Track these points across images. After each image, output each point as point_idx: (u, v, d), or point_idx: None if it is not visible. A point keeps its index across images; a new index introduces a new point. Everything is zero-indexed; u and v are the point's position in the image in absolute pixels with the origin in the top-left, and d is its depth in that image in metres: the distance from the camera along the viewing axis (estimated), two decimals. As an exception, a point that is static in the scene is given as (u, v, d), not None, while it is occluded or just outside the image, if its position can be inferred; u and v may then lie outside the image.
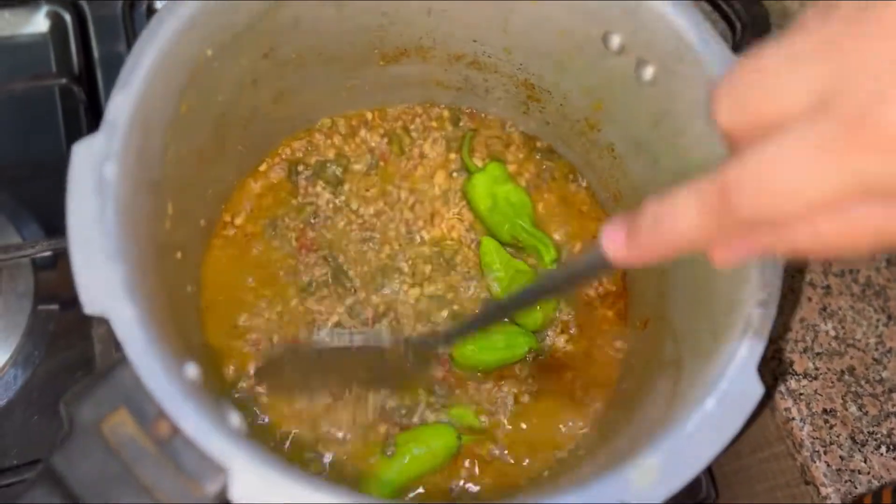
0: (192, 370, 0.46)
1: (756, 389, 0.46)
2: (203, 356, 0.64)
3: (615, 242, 0.35)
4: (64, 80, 0.76)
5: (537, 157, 0.77)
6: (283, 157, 0.74)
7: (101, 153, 0.46)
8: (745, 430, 0.83)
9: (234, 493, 0.42)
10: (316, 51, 0.65)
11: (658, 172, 0.64)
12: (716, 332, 0.51)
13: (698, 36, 0.54)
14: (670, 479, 0.44)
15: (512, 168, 0.75)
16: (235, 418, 0.46)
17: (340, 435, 0.65)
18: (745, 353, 0.47)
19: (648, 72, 0.59)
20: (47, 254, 0.70)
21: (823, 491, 0.72)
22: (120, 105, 0.47)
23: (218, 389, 0.62)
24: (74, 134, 0.79)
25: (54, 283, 0.72)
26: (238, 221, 0.70)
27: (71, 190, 0.45)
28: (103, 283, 0.44)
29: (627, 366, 0.68)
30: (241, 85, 0.61)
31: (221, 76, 0.58)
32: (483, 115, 0.78)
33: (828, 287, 0.79)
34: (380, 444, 0.65)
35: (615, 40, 0.60)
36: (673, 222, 0.32)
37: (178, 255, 0.60)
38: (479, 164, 0.74)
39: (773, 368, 0.74)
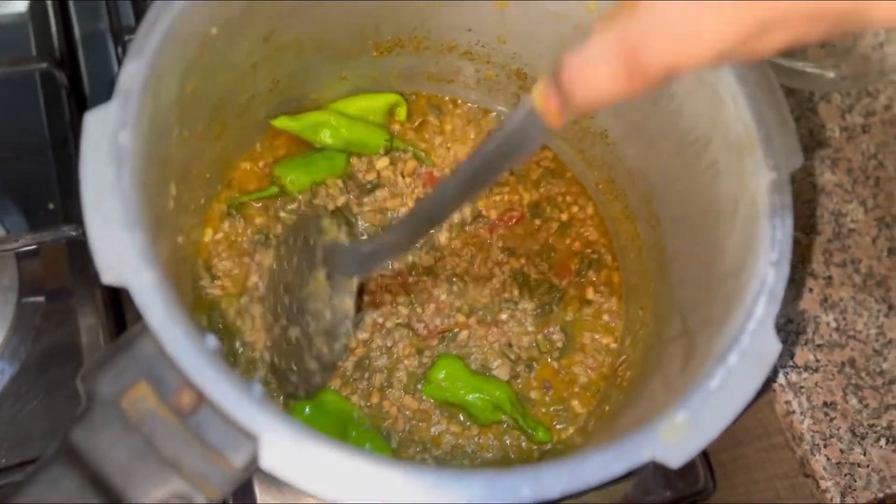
0: (211, 340, 0.45)
1: (774, 346, 0.47)
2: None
3: (548, 104, 0.36)
4: (45, 65, 0.74)
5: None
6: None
7: (116, 121, 0.45)
8: (743, 414, 0.84)
9: (264, 459, 0.41)
10: (313, 37, 0.65)
11: (652, 153, 0.65)
12: (727, 298, 0.52)
13: (698, 13, 0.55)
14: (699, 433, 0.44)
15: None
16: (257, 388, 0.45)
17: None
18: (761, 312, 0.48)
19: (645, 55, 0.60)
20: (32, 247, 0.69)
21: (823, 484, 0.73)
22: (134, 72, 0.46)
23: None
24: (57, 119, 0.78)
25: (39, 273, 0.70)
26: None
27: (85, 158, 0.44)
28: (121, 251, 0.43)
29: (625, 348, 0.69)
30: (241, 68, 0.61)
31: (224, 56, 0.58)
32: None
33: (829, 278, 0.80)
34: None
35: (612, 24, 0.61)
36: (589, 83, 0.33)
37: (180, 238, 0.59)
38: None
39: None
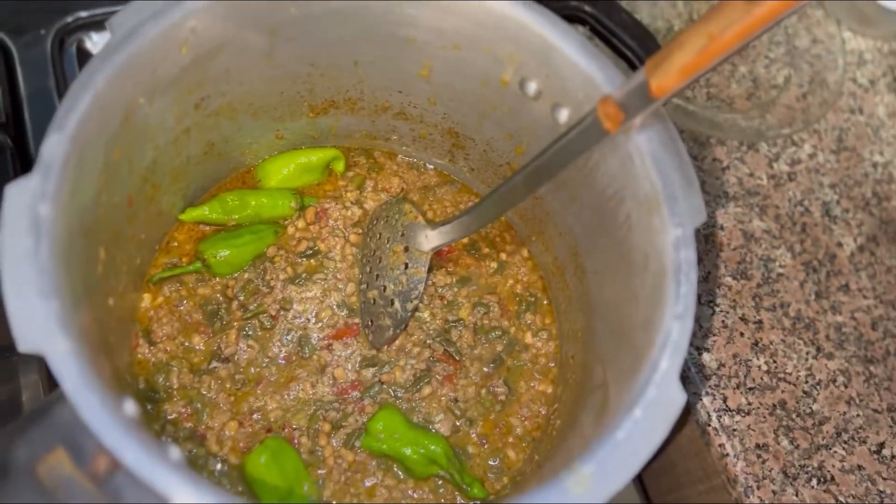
0: (130, 406, 0.46)
1: (679, 397, 0.49)
2: (135, 395, 0.63)
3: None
4: (-11, 128, 0.75)
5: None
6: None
7: (36, 193, 0.47)
8: (669, 444, 0.85)
9: (177, 524, 0.42)
10: (246, 101, 0.67)
11: (576, 207, 0.68)
12: (637, 350, 0.54)
13: (606, 77, 0.58)
14: (605, 484, 0.46)
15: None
16: (175, 452, 0.45)
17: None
18: (666, 364, 0.50)
19: (563, 114, 0.63)
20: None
21: (758, 525, 0.74)
22: (55, 146, 0.48)
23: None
24: (1, 180, 0.78)
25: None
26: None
27: (4, 229, 0.46)
28: (37, 320, 0.44)
29: (558, 396, 0.71)
30: (173, 133, 0.63)
31: (154, 124, 0.59)
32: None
33: (759, 322, 0.83)
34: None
35: (531, 86, 0.64)
36: None
37: (111, 301, 0.60)
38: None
39: (707, 404, 0.77)
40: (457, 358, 0.72)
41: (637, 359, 0.52)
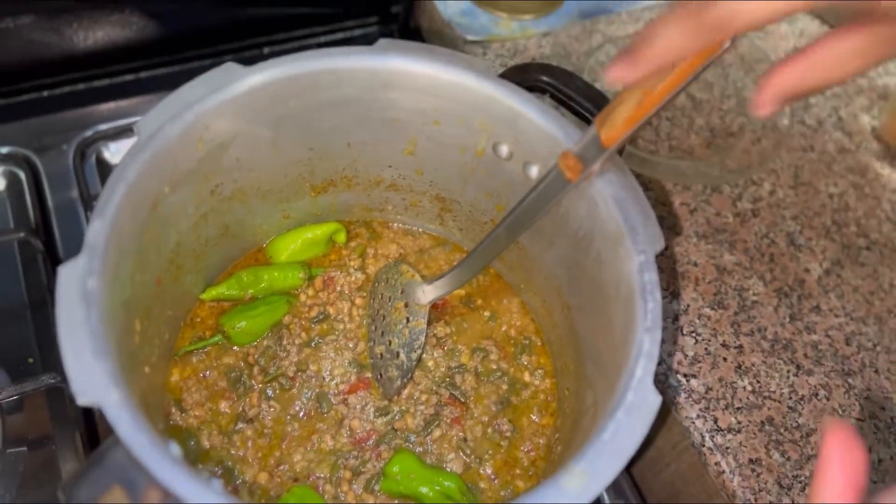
0: (174, 448, 0.52)
1: (654, 399, 0.56)
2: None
3: (615, 72, 0.48)
4: (22, 234, 0.84)
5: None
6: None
7: (84, 270, 0.55)
8: (673, 473, 0.89)
9: (223, 543, 0.48)
10: (255, 186, 0.76)
11: (554, 251, 0.76)
12: (617, 365, 0.60)
13: (565, 135, 0.67)
14: (596, 479, 0.52)
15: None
16: (217, 484, 0.52)
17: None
18: (640, 372, 0.57)
19: (534, 170, 0.72)
20: (14, 398, 0.76)
21: (759, 535, 0.79)
22: (98, 230, 0.56)
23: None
24: (34, 282, 0.86)
25: (22, 425, 0.77)
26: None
27: (59, 301, 0.53)
28: (92, 376, 0.51)
29: (558, 427, 0.77)
30: (193, 219, 0.71)
31: (176, 211, 0.68)
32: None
33: (740, 346, 0.89)
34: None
35: (503, 149, 0.73)
36: (661, 39, 0.45)
37: (146, 369, 0.67)
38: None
39: (700, 426, 0.83)
40: (462, 400, 0.79)
41: (617, 373, 0.59)
